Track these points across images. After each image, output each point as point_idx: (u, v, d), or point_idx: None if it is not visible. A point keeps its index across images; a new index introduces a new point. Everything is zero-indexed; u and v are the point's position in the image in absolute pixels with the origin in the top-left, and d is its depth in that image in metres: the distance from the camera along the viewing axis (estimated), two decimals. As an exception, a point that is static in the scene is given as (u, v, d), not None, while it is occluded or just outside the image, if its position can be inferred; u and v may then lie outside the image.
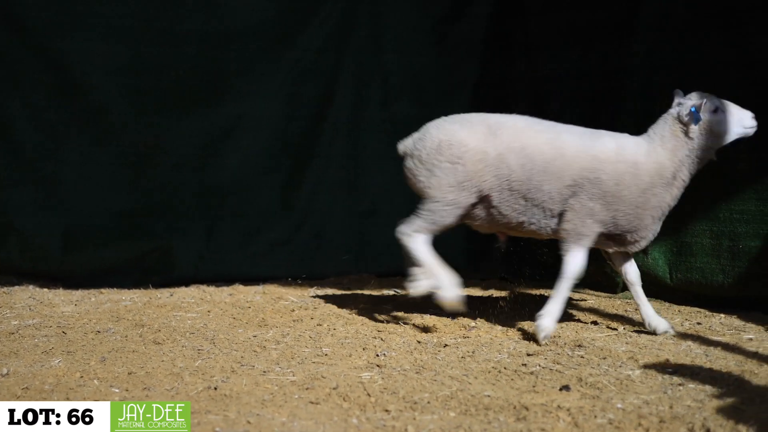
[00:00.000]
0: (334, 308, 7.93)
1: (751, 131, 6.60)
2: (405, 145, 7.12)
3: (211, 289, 8.84)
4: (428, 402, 5.34)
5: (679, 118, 6.63)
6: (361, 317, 7.55)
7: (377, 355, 6.38)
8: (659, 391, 5.47)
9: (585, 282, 8.82)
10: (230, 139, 9.37)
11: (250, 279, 9.13)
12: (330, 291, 8.79)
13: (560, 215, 6.77)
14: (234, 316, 7.58)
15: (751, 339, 6.74)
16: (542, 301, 8.12)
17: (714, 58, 7.86)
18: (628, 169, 6.64)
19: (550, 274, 8.97)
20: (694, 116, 6.55)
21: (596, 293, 8.66)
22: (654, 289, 8.13)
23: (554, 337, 6.83)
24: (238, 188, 9.38)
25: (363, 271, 9.63)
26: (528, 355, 6.38)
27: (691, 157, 6.63)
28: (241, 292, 8.76)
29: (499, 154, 6.72)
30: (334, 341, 6.78)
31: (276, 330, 7.08)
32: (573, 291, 8.55)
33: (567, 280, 6.79)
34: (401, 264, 9.54)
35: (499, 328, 7.20)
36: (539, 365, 6.09)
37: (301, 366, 6.11)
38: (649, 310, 6.98)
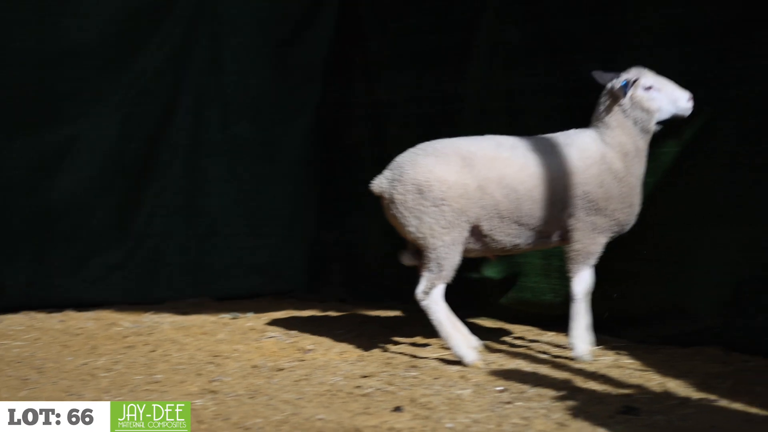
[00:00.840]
0: (169, 333, 7.82)
1: (686, 112, 6.68)
2: (381, 187, 6.97)
3: (41, 315, 8.59)
4: (261, 427, 5.30)
5: (611, 92, 6.75)
6: (196, 342, 7.47)
7: (211, 381, 6.31)
8: (488, 410, 5.56)
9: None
10: (63, 161, 9.13)
11: (83, 304, 8.91)
12: (166, 315, 8.64)
13: (562, 234, 6.87)
14: (64, 343, 7.39)
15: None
16: (381, 321, 8.22)
17: (543, 83, 8.06)
18: (601, 168, 6.73)
19: (390, 295, 9.13)
20: (624, 90, 6.67)
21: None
22: (487, 307, 8.28)
23: (389, 358, 6.89)
24: (71, 211, 9.12)
25: (201, 294, 9.51)
26: (363, 377, 6.40)
27: (636, 127, 6.73)
28: (72, 318, 8.53)
29: (479, 185, 6.75)
30: (167, 367, 6.68)
31: (107, 357, 6.94)
32: (410, 311, 8.67)
33: (580, 301, 6.81)
34: (240, 286, 9.54)
35: (336, 350, 7.21)
36: (373, 387, 6.12)
37: (131, 394, 5.98)
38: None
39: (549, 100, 8.01)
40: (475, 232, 6.84)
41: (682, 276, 6.75)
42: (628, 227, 6.87)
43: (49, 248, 9.06)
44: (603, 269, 6.97)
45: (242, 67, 9.76)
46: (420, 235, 6.76)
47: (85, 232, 9.18)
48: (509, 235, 6.83)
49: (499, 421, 5.33)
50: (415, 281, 8.11)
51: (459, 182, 6.73)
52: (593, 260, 6.81)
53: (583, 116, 7.63)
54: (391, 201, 6.85)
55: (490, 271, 8.31)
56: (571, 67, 7.87)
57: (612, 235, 6.85)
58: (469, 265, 8.11)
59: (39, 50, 8.97)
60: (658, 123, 6.77)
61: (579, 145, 6.81)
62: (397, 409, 5.62)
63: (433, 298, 6.79)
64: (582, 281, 6.81)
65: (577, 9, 7.87)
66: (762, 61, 6.84)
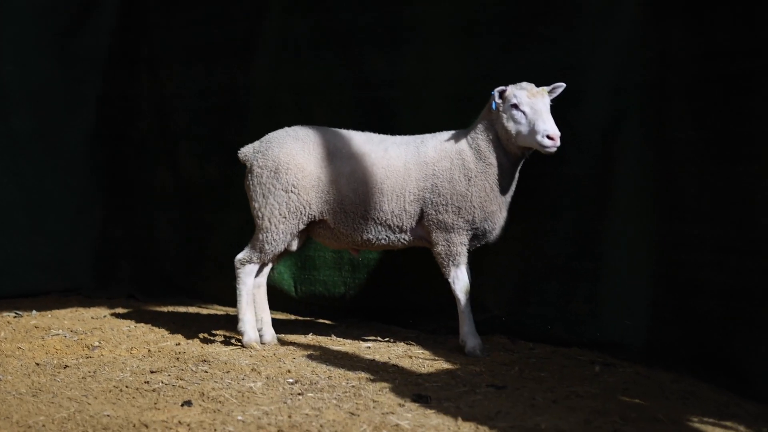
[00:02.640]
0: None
1: (543, 149, 6.40)
2: (245, 154, 7.09)
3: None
4: (44, 425, 5.14)
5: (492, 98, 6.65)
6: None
7: (-8, 380, 6.09)
8: (279, 402, 5.56)
9: (213, 297, 8.87)
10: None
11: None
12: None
13: (420, 234, 6.86)
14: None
15: (368, 347, 7.00)
16: (171, 316, 8.12)
17: (333, 76, 8.12)
18: (453, 163, 6.72)
19: (180, 291, 9.02)
20: (493, 98, 6.59)
21: (224, 308, 8.67)
22: (281, 302, 8.28)
23: (179, 353, 6.80)
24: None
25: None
26: (152, 372, 6.29)
27: (499, 141, 6.66)
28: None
29: (332, 180, 6.79)
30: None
31: None
32: (201, 306, 8.60)
33: (462, 300, 6.76)
34: (22, 284, 9.21)
35: (124, 346, 7.06)
36: (162, 382, 6.03)
37: None
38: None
39: (338, 94, 8.07)
40: (322, 223, 6.93)
41: (470, 267, 6.91)
42: (491, 236, 6.89)
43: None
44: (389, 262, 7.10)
45: (22, 57, 9.37)
46: (259, 214, 6.91)
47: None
48: (356, 230, 6.87)
49: (290, 412, 5.33)
50: (202, 278, 8.10)
51: (314, 174, 6.81)
52: (460, 260, 6.80)
53: (372, 110, 7.76)
54: (250, 171, 6.98)
55: (283, 267, 8.30)
56: (359, 60, 7.96)
57: (471, 237, 6.84)
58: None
59: None
60: (525, 149, 6.63)
61: (440, 139, 6.88)
62: (187, 403, 5.55)
63: (245, 270, 7.02)
64: (458, 281, 6.80)
65: (364, 2, 7.96)
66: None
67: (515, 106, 6.49)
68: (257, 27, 8.62)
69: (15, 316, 8.24)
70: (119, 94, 9.70)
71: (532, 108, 6.46)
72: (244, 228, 7.80)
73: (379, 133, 7.08)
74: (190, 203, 9.21)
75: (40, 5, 9.45)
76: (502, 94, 6.57)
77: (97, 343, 7.13)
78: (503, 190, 6.74)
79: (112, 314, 8.37)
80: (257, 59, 8.62)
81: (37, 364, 6.51)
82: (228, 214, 8.81)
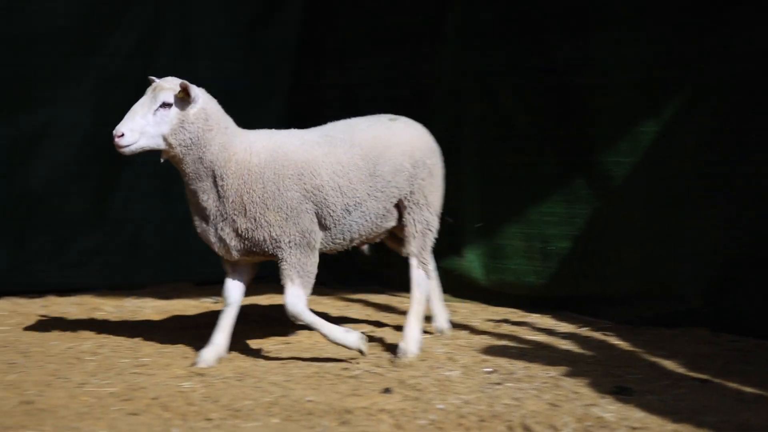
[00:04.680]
0: (152, 317, 7.78)
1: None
2: None
3: (23, 300, 8.53)
4: (251, 409, 5.30)
5: None
6: (180, 326, 7.44)
7: (197, 364, 6.29)
8: (478, 391, 5.59)
9: (403, 285, 8.94)
10: (38, 146, 9.06)
11: (64, 290, 8.85)
12: (148, 300, 8.61)
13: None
14: (47, 328, 7.33)
15: (563, 338, 6.95)
16: (365, 304, 8.23)
17: (517, 63, 8.09)
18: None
19: (370, 279, 9.14)
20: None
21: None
22: (469, 290, 8.31)
23: (376, 341, 6.90)
24: (48, 196, 9.06)
25: (180, 279, 9.46)
26: (350, 359, 6.40)
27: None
28: (55, 303, 8.49)
29: None
30: (153, 351, 6.67)
31: (92, 341, 6.91)
32: (392, 294, 8.68)
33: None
34: (220, 270, 9.49)
35: (319, 332, 7.20)
36: (361, 369, 6.14)
37: (119, 377, 5.97)
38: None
39: (523, 80, 8.03)
40: None
41: (668, 256, 6.79)
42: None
43: (28, 234, 8.99)
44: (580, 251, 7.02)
45: (214, 50, 9.68)
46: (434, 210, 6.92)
47: (62, 217, 9.11)
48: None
49: (491, 402, 5.35)
50: (392, 266, 8.16)
51: None
52: (307, 281, 6.45)
53: (560, 96, 7.71)
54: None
55: (472, 255, 8.33)
56: (544, 46, 7.90)
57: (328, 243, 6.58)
58: (450, 248, 8.19)
59: (7, 36, 8.88)
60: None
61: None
62: (387, 390, 5.64)
63: (433, 264, 7.03)
64: (290, 301, 6.44)
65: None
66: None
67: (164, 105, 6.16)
68: (442, 14, 8.65)
69: (214, 302, 8.51)
70: (307, 85, 9.89)
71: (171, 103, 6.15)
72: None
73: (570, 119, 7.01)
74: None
75: (231, -1, 9.75)
76: None
77: (294, 330, 7.30)
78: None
79: (307, 301, 8.53)
80: (442, 47, 8.65)
81: (240, 350, 6.71)
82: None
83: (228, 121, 6.35)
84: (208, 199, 6.27)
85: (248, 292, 8.76)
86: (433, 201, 6.78)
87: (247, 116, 9.71)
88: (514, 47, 8.12)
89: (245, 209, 6.21)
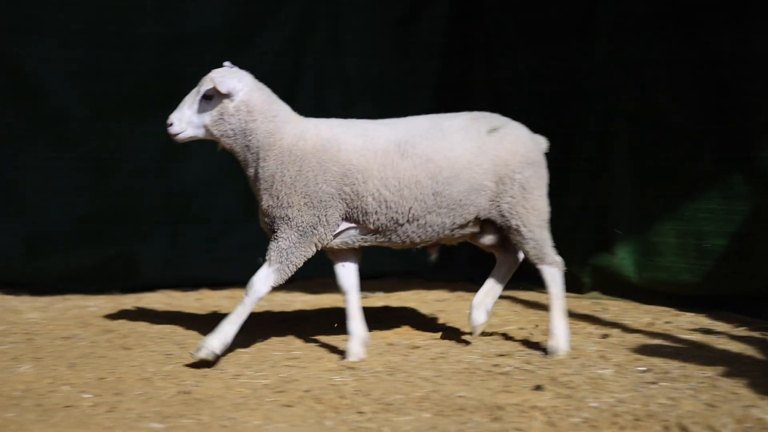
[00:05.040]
0: (302, 311, 7.88)
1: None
2: None
3: (178, 293, 8.77)
4: (402, 403, 5.32)
5: None
6: (330, 320, 7.51)
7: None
8: (632, 390, 5.48)
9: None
10: (191, 144, 9.26)
11: (217, 283, 9.05)
12: (298, 294, 8.73)
13: None
14: (202, 320, 7.49)
15: (720, 337, 6.77)
16: (512, 300, 8.18)
17: (672, 57, 7.91)
18: None
19: (519, 274, 9.06)
20: None
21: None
22: (621, 288, 8.17)
23: (525, 337, 6.85)
24: (201, 193, 9.29)
25: (329, 273, 9.52)
26: (499, 355, 6.38)
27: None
28: (208, 296, 8.70)
29: None
30: (304, 344, 6.75)
31: (244, 334, 7.01)
32: (539, 291, 8.58)
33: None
34: (367, 266, 9.55)
35: (469, 329, 7.16)
36: (511, 366, 6.09)
37: (272, 369, 6.07)
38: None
39: (680, 74, 7.84)
40: None
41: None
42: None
43: (182, 229, 9.22)
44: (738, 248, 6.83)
45: (362, 47, 9.77)
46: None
47: (215, 212, 9.32)
48: None
49: (645, 401, 5.25)
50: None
51: None
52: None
53: (714, 90, 7.51)
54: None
55: (624, 252, 8.18)
56: (701, 39, 7.70)
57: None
58: (601, 246, 8.07)
59: (161, 35, 9.12)
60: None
61: None
62: (538, 387, 5.58)
63: None
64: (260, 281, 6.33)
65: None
66: None
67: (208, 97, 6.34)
68: (593, 8, 8.52)
69: (363, 297, 8.55)
70: (456, 81, 9.88)
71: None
72: (584, 212, 7.79)
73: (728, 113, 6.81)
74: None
75: (379, -3, 9.82)
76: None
77: (443, 325, 7.29)
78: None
79: (454, 297, 8.54)
80: (594, 41, 8.51)
81: (389, 344, 6.74)
82: (565, 197, 8.75)
83: (277, 110, 6.40)
84: (253, 185, 6.39)
85: (395, 288, 8.95)
86: (535, 216, 6.42)
87: (395, 112, 9.83)
88: (668, 40, 7.95)
89: (272, 186, 6.24)
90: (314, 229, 6.26)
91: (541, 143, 6.67)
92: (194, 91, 6.31)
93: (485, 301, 6.76)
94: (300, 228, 6.24)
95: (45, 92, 8.90)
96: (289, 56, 9.57)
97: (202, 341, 6.12)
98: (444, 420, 5.06)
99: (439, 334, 7.06)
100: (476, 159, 6.31)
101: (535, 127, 9.02)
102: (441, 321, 7.42)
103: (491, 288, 6.80)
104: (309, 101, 9.59)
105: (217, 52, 9.24)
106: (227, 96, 6.23)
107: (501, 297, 8.37)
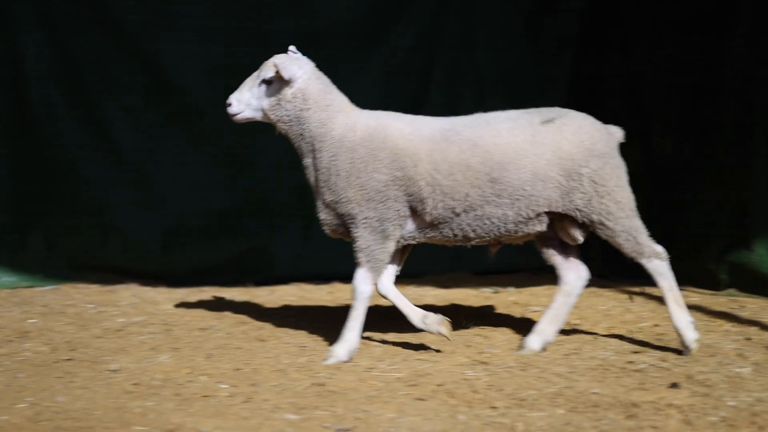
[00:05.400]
0: (433, 306, 7.89)
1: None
2: None
3: (310, 287, 8.90)
4: (536, 399, 5.29)
5: None
6: (461, 314, 7.51)
7: (481, 353, 6.34)
8: (772, 389, 5.37)
9: (685, 278, 8.69)
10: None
11: (348, 277, 9.07)
12: (428, 289, 8.77)
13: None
14: (334, 313, 7.58)
15: None
16: (646, 297, 8.06)
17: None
18: None
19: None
20: None
21: (697, 291, 8.46)
22: (760, 285, 7.98)
23: (659, 334, 6.74)
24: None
25: (460, 268, 9.58)
26: (634, 352, 6.29)
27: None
28: (339, 290, 8.79)
29: None
30: (437, 338, 6.75)
31: (378, 327, 7.08)
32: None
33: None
34: (498, 261, 9.53)
35: (603, 325, 7.11)
36: (646, 363, 6.01)
37: (405, 363, 6.11)
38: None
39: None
40: None
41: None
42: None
43: (315, 223, 9.28)
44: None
45: (494, 41, 9.77)
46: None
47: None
48: None
49: (786, 401, 5.13)
50: (672, 258, 7.91)
51: None
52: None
53: None
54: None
55: (763, 249, 7.98)
56: None
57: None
58: (739, 242, 7.90)
59: (295, 31, 9.24)
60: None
61: None
62: (674, 385, 5.49)
63: None
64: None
65: None
66: None
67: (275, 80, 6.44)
68: (730, 0, 8.34)
69: (494, 292, 8.55)
70: (589, 74, 9.79)
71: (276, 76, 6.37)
72: (722, 207, 7.62)
73: None
74: (661, 182, 9.08)
75: (511, -10, 9.78)
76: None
77: (575, 321, 7.22)
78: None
79: (587, 293, 8.40)
80: (732, 33, 8.33)
81: (522, 339, 6.71)
82: (701, 193, 8.60)
83: (332, 99, 6.42)
84: (310, 176, 6.44)
85: (527, 283, 8.90)
86: (619, 207, 6.25)
87: (526, 106, 9.78)
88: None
89: (329, 182, 6.27)
90: (381, 222, 6.28)
91: (614, 133, 6.44)
92: (255, 74, 6.45)
93: (547, 330, 6.48)
94: (368, 225, 6.28)
95: (182, 87, 9.14)
96: (420, 51, 9.63)
97: (329, 350, 6.21)
98: (578, 416, 5.02)
99: (572, 330, 6.99)
100: (532, 148, 6.18)
101: (670, 121, 8.93)
102: (573, 317, 7.34)
103: (556, 314, 6.52)
104: (440, 96, 9.65)
105: (349, 47, 9.37)
106: (287, 82, 6.33)
107: (636, 293, 8.30)
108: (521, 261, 9.64)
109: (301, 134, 6.36)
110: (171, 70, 9.13)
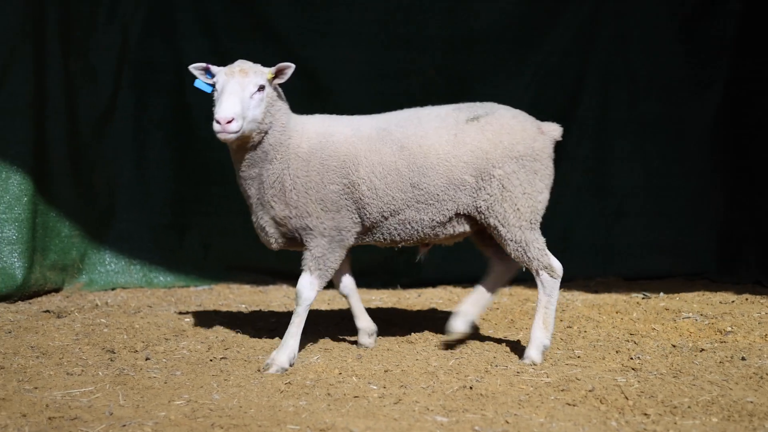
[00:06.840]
0: (583, 310, 7.83)
1: (218, 136, 5.90)
2: None
3: (458, 290, 8.93)
4: (688, 407, 5.21)
5: None
6: (611, 320, 7.44)
7: (631, 358, 6.27)
8: None
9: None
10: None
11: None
12: (577, 293, 8.69)
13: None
14: (483, 317, 7.58)
15: None
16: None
17: None
18: None
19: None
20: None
21: None
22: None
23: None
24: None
25: (610, 273, 9.50)
26: (779, 360, 6.14)
27: None
28: (486, 292, 8.79)
29: None
30: (585, 343, 6.72)
31: (525, 332, 7.06)
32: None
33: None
34: (648, 266, 9.41)
35: (757, 333, 6.92)
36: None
37: (554, 368, 6.08)
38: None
39: None
40: None
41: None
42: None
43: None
44: None
45: (648, 44, 9.70)
46: None
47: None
48: None
49: None
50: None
51: None
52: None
53: None
54: None
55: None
56: None
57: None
58: None
59: (447, 36, 9.34)
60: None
61: None
62: (832, 395, 5.33)
63: None
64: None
65: None
66: None
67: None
68: None
69: (643, 297, 8.43)
70: (746, 76, 9.60)
71: (221, 89, 5.85)
72: None
73: None
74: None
75: (666, -7, 9.67)
76: (207, 71, 6.00)
77: (729, 328, 7.06)
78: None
79: (740, 299, 8.25)
80: None
81: (674, 346, 6.60)
82: None
83: (284, 101, 6.30)
84: (250, 188, 6.21)
85: (678, 288, 8.74)
86: (517, 216, 6.15)
87: (680, 110, 9.70)
88: None
89: (284, 196, 6.12)
90: (340, 232, 6.21)
91: (549, 132, 6.33)
92: (234, 85, 5.99)
93: (470, 311, 6.49)
94: (324, 235, 6.18)
95: (337, 92, 9.29)
96: (575, 55, 9.64)
97: (270, 358, 6.16)
98: (733, 425, 4.94)
99: (726, 337, 6.85)
100: (454, 150, 6.13)
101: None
102: (727, 324, 7.17)
103: (479, 297, 6.54)
104: (593, 100, 9.62)
105: (502, 51, 9.40)
106: (273, 85, 6.19)
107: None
108: (675, 267, 9.52)
109: (261, 142, 6.12)
110: (326, 76, 9.31)
